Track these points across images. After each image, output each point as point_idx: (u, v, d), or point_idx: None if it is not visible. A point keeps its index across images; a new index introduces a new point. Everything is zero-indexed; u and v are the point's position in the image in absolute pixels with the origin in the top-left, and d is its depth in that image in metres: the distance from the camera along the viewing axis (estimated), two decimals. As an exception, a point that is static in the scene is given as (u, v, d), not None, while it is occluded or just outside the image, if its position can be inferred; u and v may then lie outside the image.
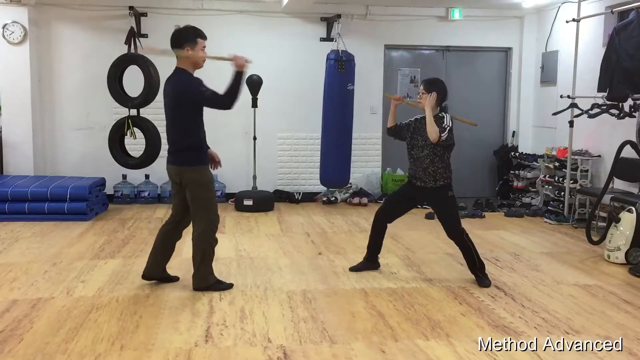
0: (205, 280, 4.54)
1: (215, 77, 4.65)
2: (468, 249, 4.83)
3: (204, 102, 4.35)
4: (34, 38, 8.01)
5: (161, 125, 5.25)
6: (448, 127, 4.73)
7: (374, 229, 5.12)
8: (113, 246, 5.92)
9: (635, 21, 6.02)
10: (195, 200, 4.45)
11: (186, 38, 4.35)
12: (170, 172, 4.56)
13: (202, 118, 4.45)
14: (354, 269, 5.14)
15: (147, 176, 8.33)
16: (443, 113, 4.85)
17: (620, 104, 6.42)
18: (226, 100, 4.33)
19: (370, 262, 5.16)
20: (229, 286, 4.63)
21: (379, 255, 5.19)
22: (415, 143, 4.86)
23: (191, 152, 4.42)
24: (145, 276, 4.67)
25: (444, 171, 4.79)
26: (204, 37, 4.43)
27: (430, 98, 4.72)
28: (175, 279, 4.74)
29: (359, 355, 3.45)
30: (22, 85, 7.87)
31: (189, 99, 4.34)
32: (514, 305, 4.33)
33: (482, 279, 4.84)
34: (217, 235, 4.56)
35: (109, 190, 8.12)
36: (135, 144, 7.57)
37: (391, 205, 5.14)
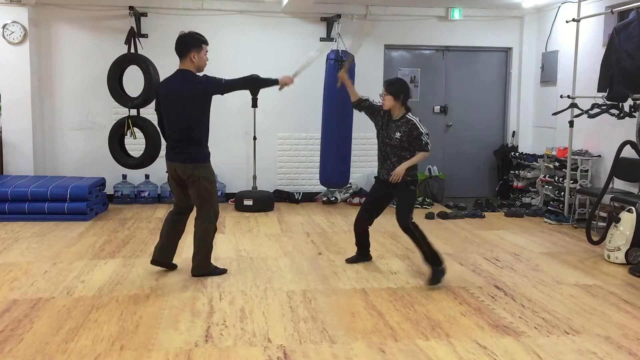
0: (206, 267, 4.86)
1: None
2: (416, 240, 4.88)
3: (229, 86, 4.68)
4: (34, 38, 8.01)
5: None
6: (427, 135, 4.88)
7: (357, 235, 5.35)
8: (113, 246, 5.92)
9: (635, 21, 6.03)
10: (203, 193, 4.71)
11: (193, 44, 4.63)
12: (176, 170, 4.73)
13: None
14: (349, 260, 5.40)
15: (147, 176, 8.33)
16: (410, 115, 4.94)
17: (620, 104, 6.41)
18: (249, 79, 4.80)
19: (363, 256, 5.42)
20: (223, 271, 4.95)
21: (369, 249, 5.44)
22: (388, 142, 4.97)
23: (203, 148, 4.72)
24: (156, 261, 4.91)
25: (413, 167, 4.95)
26: (207, 43, 4.74)
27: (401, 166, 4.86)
28: (175, 266, 5.04)
29: (359, 355, 3.45)
30: (22, 85, 7.87)
31: (207, 94, 4.62)
32: (514, 305, 4.33)
33: (434, 274, 4.73)
34: (217, 235, 4.65)
35: (109, 190, 8.12)
36: (135, 144, 7.57)
37: (368, 211, 5.27)
